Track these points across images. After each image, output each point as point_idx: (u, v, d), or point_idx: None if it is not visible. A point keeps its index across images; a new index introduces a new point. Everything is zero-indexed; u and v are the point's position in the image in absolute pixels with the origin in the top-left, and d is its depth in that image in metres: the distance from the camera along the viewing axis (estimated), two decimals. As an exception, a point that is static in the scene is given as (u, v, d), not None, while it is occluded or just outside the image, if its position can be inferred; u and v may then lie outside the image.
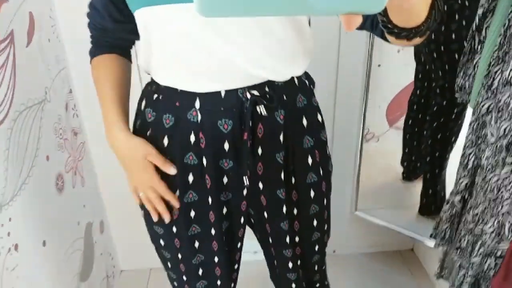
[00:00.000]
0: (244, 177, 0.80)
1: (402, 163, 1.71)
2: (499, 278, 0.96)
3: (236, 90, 0.74)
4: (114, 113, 0.82)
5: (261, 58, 0.73)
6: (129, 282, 1.82)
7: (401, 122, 1.67)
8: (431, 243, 1.27)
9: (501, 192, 0.91)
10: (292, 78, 0.80)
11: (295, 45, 0.76)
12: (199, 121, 0.76)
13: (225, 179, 0.82)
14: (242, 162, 0.79)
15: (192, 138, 0.77)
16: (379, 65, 1.52)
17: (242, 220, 0.89)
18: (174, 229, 0.86)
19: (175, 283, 0.97)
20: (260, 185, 0.83)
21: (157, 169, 0.81)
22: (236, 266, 0.98)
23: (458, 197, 1.07)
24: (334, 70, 1.54)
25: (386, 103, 1.68)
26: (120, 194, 1.30)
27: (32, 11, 1.18)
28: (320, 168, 0.87)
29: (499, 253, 0.95)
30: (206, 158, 0.79)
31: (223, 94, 0.74)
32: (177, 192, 0.82)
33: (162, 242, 0.90)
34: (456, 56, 1.31)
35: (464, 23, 1.27)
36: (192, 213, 0.84)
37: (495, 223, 0.93)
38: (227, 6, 0.33)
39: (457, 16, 1.28)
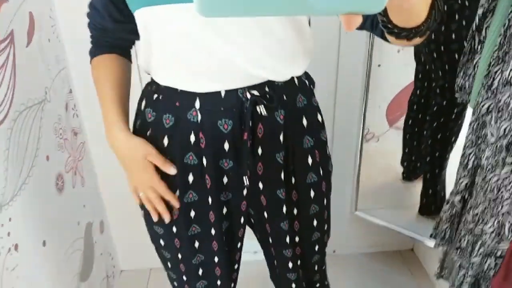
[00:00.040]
0: (244, 177, 0.80)
1: (402, 163, 1.71)
2: (499, 278, 0.96)
3: (236, 90, 0.74)
4: (114, 113, 0.82)
5: (261, 58, 0.73)
6: (129, 282, 1.82)
7: (401, 122, 1.67)
8: (431, 243, 1.27)
9: (501, 192, 0.91)
10: (292, 78, 0.79)
11: (295, 45, 0.76)
12: (199, 121, 0.76)
13: (225, 179, 0.82)
14: (242, 162, 0.79)
15: (192, 138, 0.77)
16: (379, 65, 1.52)
17: (242, 220, 0.89)
18: (174, 229, 0.86)
19: (175, 283, 0.97)
20: (260, 185, 0.83)
21: (157, 169, 0.81)
22: (236, 266, 0.98)
23: (458, 197, 1.07)
24: (334, 70, 1.54)
25: (386, 103, 1.68)
26: (120, 194, 1.30)
27: (32, 11, 1.18)
28: (320, 168, 0.87)
29: (499, 253, 0.95)
30: (206, 158, 0.79)
31: (223, 94, 0.74)
32: (177, 192, 0.82)
33: (162, 242, 0.90)
34: (456, 56, 1.31)
35: (464, 23, 1.27)
36: (192, 213, 0.84)
37: (495, 223, 0.93)
38: (227, 6, 0.33)
39: (457, 16, 1.28)
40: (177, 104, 0.77)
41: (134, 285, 1.80)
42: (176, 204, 0.82)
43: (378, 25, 0.62)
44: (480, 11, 0.93)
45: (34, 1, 1.20)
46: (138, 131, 0.84)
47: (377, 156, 1.75)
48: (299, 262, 0.94)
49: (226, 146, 0.77)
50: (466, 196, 1.06)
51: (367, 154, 1.65)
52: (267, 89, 0.76)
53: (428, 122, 1.52)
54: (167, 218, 0.84)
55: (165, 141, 0.80)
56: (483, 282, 1.01)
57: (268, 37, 0.72)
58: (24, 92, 1.10)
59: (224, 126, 0.75)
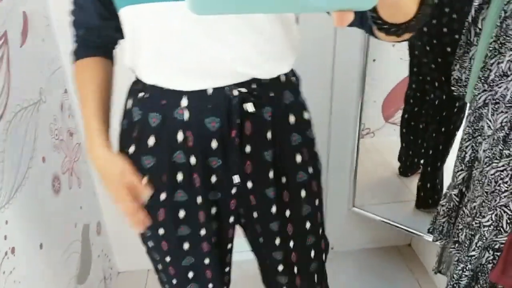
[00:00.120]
0: (234, 176, 0.80)
1: (399, 158, 1.72)
2: (497, 271, 0.97)
3: (223, 87, 0.74)
4: (95, 126, 0.81)
5: (250, 56, 0.73)
6: (127, 283, 1.81)
7: (396, 117, 1.68)
8: (428, 237, 1.27)
9: (498, 185, 0.92)
10: (279, 75, 0.79)
11: (284, 42, 0.76)
12: (186, 119, 0.75)
13: (213, 178, 0.81)
14: (230, 160, 0.78)
15: (180, 136, 0.77)
16: (374, 60, 1.53)
17: (231, 220, 0.88)
18: (161, 231, 0.85)
19: (166, 286, 0.97)
20: (249, 184, 0.82)
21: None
22: (227, 269, 0.97)
23: (455, 191, 1.07)
24: (330, 65, 1.54)
25: (382, 98, 1.69)
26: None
27: (26, 10, 1.17)
28: (309, 167, 0.86)
29: (497, 246, 0.96)
30: (194, 157, 0.78)
31: (210, 91, 0.74)
32: (164, 193, 0.82)
33: (150, 244, 0.89)
34: (449, 49, 1.32)
35: (455, 16, 1.28)
36: (181, 214, 0.83)
37: (493, 216, 0.94)
38: (219, 4, 0.33)
39: (447, 9, 1.28)
40: (164, 102, 0.76)
41: (132, 287, 1.79)
42: (144, 224, 0.81)
43: (366, 21, 0.62)
44: (476, 3, 0.94)
45: (28, 1, 1.19)
46: (125, 131, 0.83)
47: (373, 152, 1.75)
48: (295, 269, 0.93)
49: (214, 144, 0.77)
50: (464, 190, 1.06)
51: (363, 149, 1.65)
52: (254, 86, 0.76)
53: (430, 116, 1.52)
54: (139, 229, 0.82)
55: (152, 140, 0.79)
56: (481, 275, 1.02)
57: (257, 35, 0.72)
58: (19, 93, 1.09)
59: (211, 124, 0.75)
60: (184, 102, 0.75)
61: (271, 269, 0.95)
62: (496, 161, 0.90)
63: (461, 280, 1.03)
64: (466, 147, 1.01)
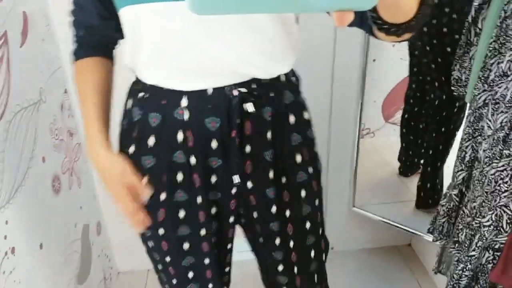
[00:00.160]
0: (234, 176, 0.79)
1: (399, 158, 1.72)
2: (497, 271, 0.97)
3: (223, 87, 0.74)
4: (96, 127, 0.81)
5: (250, 56, 0.73)
6: (127, 283, 1.81)
7: (396, 117, 1.68)
8: (428, 237, 1.27)
9: (498, 185, 0.92)
10: (279, 75, 0.79)
11: (284, 42, 0.76)
12: (186, 119, 0.75)
13: (213, 178, 0.81)
14: (231, 160, 0.78)
15: (180, 136, 0.77)
16: (374, 60, 1.52)
17: (231, 220, 0.88)
18: (161, 231, 0.85)
19: (166, 286, 0.97)
20: (249, 184, 0.82)
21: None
22: (227, 269, 0.97)
23: (455, 191, 1.07)
24: (330, 65, 1.54)
25: (382, 98, 1.69)
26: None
27: (26, 10, 1.17)
28: (309, 167, 0.86)
29: (497, 246, 0.96)
30: (195, 157, 0.78)
31: (210, 91, 0.74)
32: (164, 193, 0.82)
33: (150, 244, 0.89)
34: (449, 49, 1.32)
35: (455, 16, 1.28)
36: (181, 214, 0.83)
37: (493, 216, 0.94)
38: (219, 4, 0.33)
39: (447, 9, 1.29)
40: (164, 102, 0.76)
41: (132, 287, 1.79)
42: (144, 224, 0.82)
43: (366, 21, 0.62)
44: (476, 3, 0.94)
45: (27, 1, 1.18)
46: (125, 131, 0.83)
47: (373, 152, 1.75)
48: (295, 269, 0.93)
49: (214, 144, 0.77)
50: (464, 190, 1.06)
51: (363, 149, 1.65)
52: (254, 86, 0.76)
53: (430, 116, 1.52)
54: (139, 229, 0.83)
55: (152, 140, 0.79)
56: (481, 275, 1.02)
57: (258, 35, 0.72)
58: (19, 93, 1.09)
59: (211, 124, 0.75)
60: (184, 102, 0.75)
61: (271, 269, 0.94)
62: (496, 161, 0.90)
63: (461, 280, 1.03)
64: (466, 147, 1.01)
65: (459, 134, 1.41)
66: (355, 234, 1.89)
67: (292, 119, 0.81)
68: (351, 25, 0.44)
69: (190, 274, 0.91)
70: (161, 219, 0.84)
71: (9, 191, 1.02)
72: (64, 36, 1.37)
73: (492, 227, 0.95)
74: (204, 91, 0.74)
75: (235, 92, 0.74)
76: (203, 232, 0.85)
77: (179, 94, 0.75)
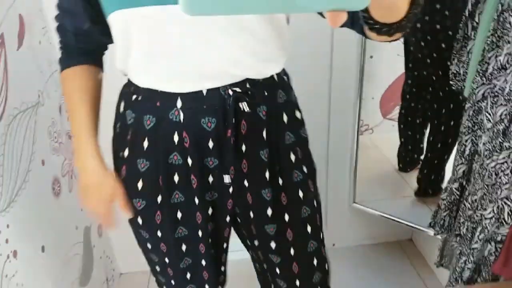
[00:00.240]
0: (225, 176, 0.79)
1: (398, 153, 1.72)
2: (500, 263, 0.97)
3: (218, 88, 0.74)
4: (87, 139, 0.82)
5: (242, 58, 0.73)
6: (129, 285, 1.81)
7: (394, 113, 1.68)
8: (430, 231, 1.28)
9: (499, 177, 0.92)
10: (272, 75, 0.80)
11: (276, 43, 0.76)
12: (181, 120, 0.75)
13: (210, 178, 0.81)
14: (227, 160, 0.78)
15: (176, 137, 0.76)
16: (371, 57, 1.53)
17: (228, 219, 0.88)
18: (159, 233, 0.85)
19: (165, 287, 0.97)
20: (246, 183, 0.82)
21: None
22: (223, 269, 0.97)
23: (456, 184, 1.08)
24: (328, 63, 1.54)
25: (380, 94, 1.69)
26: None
27: (22, 13, 1.16)
28: (304, 166, 0.86)
29: (499, 238, 0.96)
30: (191, 158, 0.78)
31: (205, 92, 0.74)
32: (161, 195, 0.82)
33: (148, 246, 0.89)
34: (443, 45, 1.33)
35: (447, 13, 1.30)
36: (179, 215, 0.83)
37: (495, 208, 0.94)
38: (211, 5, 0.33)
39: (439, 6, 1.30)
40: (158, 104, 0.76)
41: (135, 287, 1.78)
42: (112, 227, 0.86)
43: (358, 21, 0.62)
44: (473, -3, 0.94)
45: (23, 3, 1.18)
46: (119, 134, 0.83)
47: (372, 148, 1.75)
48: (297, 282, 0.92)
49: (211, 144, 0.77)
50: (464, 183, 1.06)
51: (363, 146, 1.65)
52: (248, 86, 0.76)
53: (428, 110, 1.53)
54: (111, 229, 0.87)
55: (146, 143, 0.78)
56: (483, 267, 1.02)
57: (250, 37, 0.72)
58: (17, 96, 1.09)
59: (207, 124, 0.75)
60: (179, 103, 0.75)
61: (271, 272, 0.94)
62: (496, 153, 0.91)
63: (464, 273, 1.03)
64: (466, 140, 1.02)
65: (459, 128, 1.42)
66: (356, 230, 1.89)
67: (285, 118, 0.82)
68: (342, 25, 0.44)
69: (188, 275, 0.91)
70: (158, 221, 0.84)
71: (9, 194, 1.02)
72: (61, 38, 1.37)
73: (493, 219, 0.95)
74: (199, 92, 0.74)
75: (230, 92, 0.74)
76: (200, 232, 0.85)
77: (173, 95, 0.74)
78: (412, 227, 1.57)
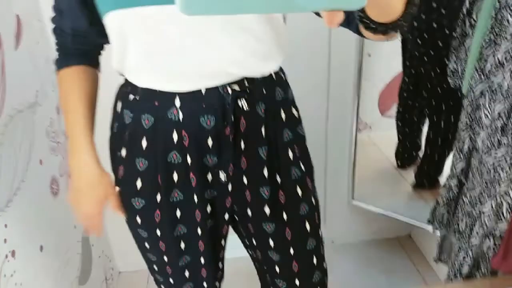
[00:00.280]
0: (220, 172, 0.80)
1: (397, 151, 1.73)
2: (499, 258, 0.97)
3: (216, 87, 0.74)
4: (84, 139, 0.82)
5: (241, 57, 0.73)
6: (129, 283, 1.81)
7: (393, 111, 1.68)
8: (428, 228, 1.28)
9: (497, 174, 0.92)
10: (270, 73, 0.80)
11: (273, 42, 0.76)
12: (181, 119, 0.75)
13: (209, 176, 0.81)
14: (226, 157, 0.79)
15: (175, 136, 0.76)
16: (369, 55, 1.53)
17: (226, 217, 0.88)
18: (158, 232, 0.85)
19: (162, 286, 0.97)
20: (245, 180, 0.83)
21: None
22: (220, 265, 0.98)
23: (454, 181, 1.08)
24: (326, 61, 1.54)
25: (378, 92, 1.69)
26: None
27: (19, 14, 1.16)
28: (302, 163, 0.86)
29: (497, 233, 0.96)
30: (191, 156, 0.78)
31: (203, 91, 0.74)
32: (160, 194, 0.82)
33: (146, 245, 0.89)
34: (440, 43, 1.34)
35: (443, 11, 1.31)
36: (178, 213, 0.83)
37: (493, 204, 0.94)
38: (209, 5, 0.33)
39: (435, 5, 1.30)
40: (156, 104, 0.75)
41: (134, 287, 1.79)
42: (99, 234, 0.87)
43: (353, 20, 0.63)
44: (470, -6, 0.94)
45: (20, 3, 1.18)
46: (116, 134, 0.83)
47: (371, 145, 1.76)
48: (297, 281, 0.92)
49: (210, 142, 0.77)
50: (463, 180, 1.07)
51: (361, 143, 1.66)
52: (246, 84, 0.76)
53: (426, 107, 1.53)
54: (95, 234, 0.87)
55: (144, 142, 0.78)
56: (482, 263, 1.02)
57: (248, 36, 0.72)
58: (15, 96, 1.09)
59: (207, 122, 0.75)
60: (178, 102, 0.75)
61: (270, 271, 0.94)
62: (494, 150, 0.91)
63: (463, 268, 1.04)
64: (464, 137, 1.02)
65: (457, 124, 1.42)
66: (355, 227, 1.90)
67: (283, 115, 0.82)
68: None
69: (187, 273, 0.92)
70: (157, 220, 0.84)
71: (7, 194, 1.02)
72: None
73: (492, 215, 0.95)
74: (198, 91, 0.74)
75: (229, 90, 0.74)
76: (199, 230, 0.86)
77: (172, 95, 0.74)
78: (411, 223, 1.58)
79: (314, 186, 0.91)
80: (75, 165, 0.82)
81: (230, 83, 0.75)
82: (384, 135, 1.77)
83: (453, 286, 1.02)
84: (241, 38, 0.72)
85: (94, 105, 0.85)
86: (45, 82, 1.29)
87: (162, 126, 0.76)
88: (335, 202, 1.81)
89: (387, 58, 1.64)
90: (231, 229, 0.95)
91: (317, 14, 0.61)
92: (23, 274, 1.04)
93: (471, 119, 0.99)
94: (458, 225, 1.07)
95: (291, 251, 0.89)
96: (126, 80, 0.80)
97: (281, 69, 0.84)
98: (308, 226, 0.89)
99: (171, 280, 0.93)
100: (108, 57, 0.80)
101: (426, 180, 1.63)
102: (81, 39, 0.81)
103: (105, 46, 0.85)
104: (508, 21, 0.85)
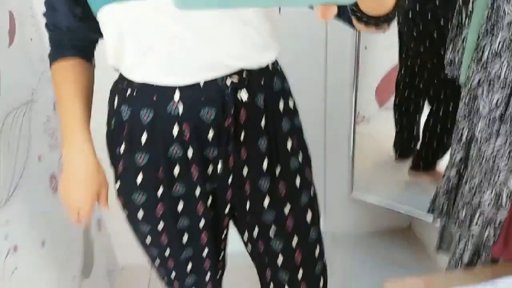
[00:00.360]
0: (218, 166, 0.80)
1: (395, 142, 1.73)
2: (499, 245, 0.98)
3: (215, 79, 0.74)
4: (85, 133, 0.82)
5: (240, 49, 0.74)
6: (131, 278, 1.81)
7: (390, 103, 1.68)
8: (428, 218, 1.29)
9: (496, 163, 0.92)
10: (267, 64, 0.80)
11: (270, 32, 0.76)
12: (180, 113, 0.75)
13: (210, 168, 0.81)
14: (226, 149, 0.79)
15: (175, 130, 0.76)
16: (365, 47, 1.53)
17: (227, 209, 0.88)
18: (161, 225, 0.86)
19: (165, 280, 0.97)
20: (245, 171, 0.83)
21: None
22: (221, 256, 0.98)
23: (453, 171, 1.08)
24: (323, 54, 1.54)
25: (375, 84, 1.69)
26: (115, 190, 1.29)
27: (12, 10, 1.15)
28: (300, 154, 0.87)
29: (498, 222, 0.97)
30: (192, 149, 0.78)
31: (202, 84, 0.74)
32: (162, 188, 0.82)
33: (148, 240, 0.89)
34: (435, 34, 1.33)
35: (437, 3, 1.31)
36: (180, 206, 0.84)
37: (493, 193, 0.95)
38: None
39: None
40: (155, 98, 0.75)
41: (137, 280, 1.79)
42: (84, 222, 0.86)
43: (346, 13, 0.63)
44: (467, -16, 0.94)
45: (13, 0, 1.17)
46: (114, 130, 0.82)
47: (369, 138, 1.76)
48: (300, 272, 0.93)
49: (210, 135, 0.77)
50: (462, 170, 1.07)
51: (360, 136, 1.66)
52: (245, 75, 0.76)
53: (424, 97, 1.53)
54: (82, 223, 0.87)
55: (144, 137, 0.78)
56: (483, 251, 1.03)
57: (246, 28, 0.72)
58: (10, 93, 1.08)
59: (207, 115, 0.75)
60: (177, 96, 0.74)
61: (271, 264, 0.94)
62: (493, 139, 0.91)
63: (463, 257, 1.04)
64: (462, 127, 1.02)
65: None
66: (355, 219, 1.90)
67: (281, 106, 0.82)
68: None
69: (189, 267, 0.92)
70: (160, 214, 0.84)
71: (7, 190, 1.02)
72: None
73: (492, 204, 0.96)
74: (197, 84, 0.74)
75: (228, 82, 0.74)
76: (202, 223, 0.86)
77: (170, 89, 0.74)
78: (411, 214, 1.58)
79: (312, 177, 0.92)
80: (70, 155, 0.81)
81: (229, 75, 0.75)
82: (382, 127, 1.77)
83: (454, 275, 1.02)
84: (240, 30, 0.72)
85: (89, 97, 0.85)
86: (40, 79, 1.28)
87: (161, 120, 0.76)
88: (334, 194, 1.81)
89: (384, 50, 1.64)
90: (231, 224, 0.95)
91: (311, 7, 0.61)
92: (25, 269, 1.05)
93: (469, 109, 1.00)
94: (458, 214, 1.08)
95: (294, 240, 0.90)
96: (121, 75, 0.80)
97: (276, 61, 0.84)
98: (309, 216, 0.90)
99: (173, 274, 0.94)
100: (101, 53, 0.80)
101: (423, 162, 1.64)
102: (72, 34, 0.81)
103: (100, 40, 0.85)
104: (504, 10, 0.85)
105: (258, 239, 0.92)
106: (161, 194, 0.82)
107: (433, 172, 1.61)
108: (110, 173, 0.87)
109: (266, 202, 0.85)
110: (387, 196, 1.65)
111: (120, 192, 0.86)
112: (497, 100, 0.89)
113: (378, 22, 0.58)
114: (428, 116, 1.58)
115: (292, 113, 0.86)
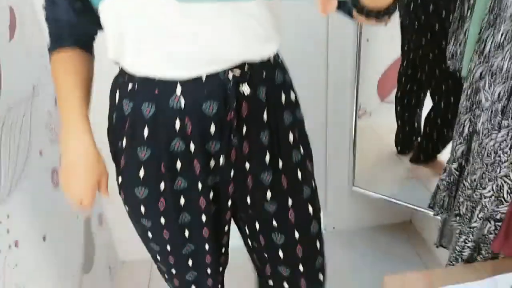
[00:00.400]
0: (221, 157, 0.80)
1: (396, 136, 1.73)
2: (500, 240, 0.98)
3: (217, 73, 0.74)
4: (81, 119, 0.81)
5: (242, 42, 0.73)
6: (132, 272, 1.82)
7: (392, 96, 1.68)
8: (429, 212, 1.29)
9: (498, 156, 0.92)
10: (269, 56, 0.80)
11: (272, 24, 0.76)
12: (182, 107, 0.75)
13: (212, 162, 0.81)
14: (228, 143, 0.79)
15: (178, 124, 0.76)
16: (367, 40, 1.52)
17: (229, 203, 0.88)
18: (163, 220, 0.85)
19: (166, 275, 0.98)
20: (247, 165, 0.83)
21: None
22: (223, 250, 0.98)
23: (455, 165, 1.08)
24: (325, 47, 1.53)
25: (377, 78, 1.68)
26: (116, 186, 1.29)
27: (12, 5, 1.15)
28: (301, 146, 0.87)
29: (498, 217, 0.97)
30: (194, 143, 0.78)
31: (204, 78, 0.74)
32: (164, 183, 0.81)
33: (149, 235, 0.89)
34: (437, 26, 1.33)
35: None
36: (182, 201, 0.84)
37: (494, 187, 0.94)
38: None
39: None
40: (156, 92, 0.75)
41: (137, 275, 1.80)
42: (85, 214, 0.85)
43: (345, 5, 0.63)
44: (469, -25, 0.93)
45: (12, -5, 1.17)
46: (115, 125, 0.82)
47: (370, 131, 1.75)
48: (301, 266, 0.93)
49: (213, 128, 0.77)
50: (463, 163, 1.07)
51: (361, 129, 1.65)
52: (247, 68, 0.76)
53: (434, 88, 1.53)
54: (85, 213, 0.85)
55: (146, 131, 0.78)
56: (483, 246, 1.03)
57: (248, 20, 0.72)
58: (11, 88, 1.08)
59: (209, 109, 0.75)
60: (179, 90, 0.74)
61: (272, 259, 0.94)
62: (495, 132, 0.91)
63: (464, 252, 1.04)
64: (464, 120, 1.02)
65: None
66: (356, 213, 1.90)
67: (283, 99, 0.82)
68: None
69: (190, 262, 0.92)
70: (162, 209, 0.84)
71: (8, 185, 1.02)
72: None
73: (493, 198, 0.95)
74: (198, 78, 0.74)
75: (230, 76, 0.74)
76: (204, 218, 0.86)
77: (172, 83, 0.74)
78: (412, 208, 1.58)
79: (313, 170, 0.91)
80: (70, 143, 0.81)
81: (230, 68, 0.74)
82: (384, 121, 1.77)
83: (454, 270, 1.02)
84: (241, 22, 0.71)
85: (89, 89, 0.84)
86: (41, 74, 1.28)
87: (163, 114, 0.76)
88: (335, 188, 1.81)
89: (386, 43, 1.63)
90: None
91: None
92: (26, 264, 1.05)
93: (471, 102, 0.99)
94: (459, 209, 1.07)
95: (296, 234, 0.90)
96: (122, 69, 0.80)
97: (277, 53, 0.84)
98: (310, 209, 0.90)
99: (174, 269, 0.94)
100: (102, 47, 0.79)
101: (423, 155, 1.63)
102: (74, 28, 0.81)
103: (100, 34, 0.85)
104: (506, 3, 0.84)
105: (259, 233, 0.92)
106: (163, 189, 0.82)
107: (433, 164, 1.61)
108: (110, 163, 0.87)
109: (268, 195, 0.85)
110: (388, 191, 1.65)
111: (122, 187, 0.86)
112: (499, 93, 0.88)
113: (379, 15, 0.58)
114: (430, 109, 1.57)
115: (294, 106, 0.86)
